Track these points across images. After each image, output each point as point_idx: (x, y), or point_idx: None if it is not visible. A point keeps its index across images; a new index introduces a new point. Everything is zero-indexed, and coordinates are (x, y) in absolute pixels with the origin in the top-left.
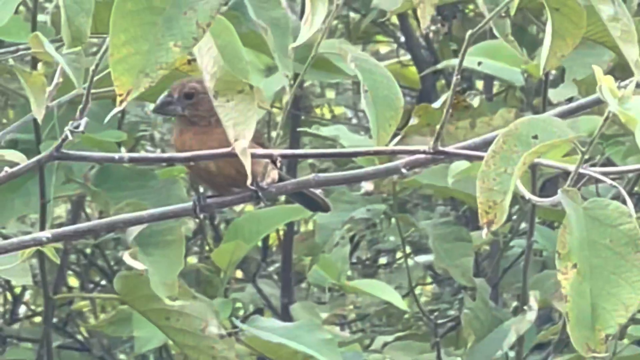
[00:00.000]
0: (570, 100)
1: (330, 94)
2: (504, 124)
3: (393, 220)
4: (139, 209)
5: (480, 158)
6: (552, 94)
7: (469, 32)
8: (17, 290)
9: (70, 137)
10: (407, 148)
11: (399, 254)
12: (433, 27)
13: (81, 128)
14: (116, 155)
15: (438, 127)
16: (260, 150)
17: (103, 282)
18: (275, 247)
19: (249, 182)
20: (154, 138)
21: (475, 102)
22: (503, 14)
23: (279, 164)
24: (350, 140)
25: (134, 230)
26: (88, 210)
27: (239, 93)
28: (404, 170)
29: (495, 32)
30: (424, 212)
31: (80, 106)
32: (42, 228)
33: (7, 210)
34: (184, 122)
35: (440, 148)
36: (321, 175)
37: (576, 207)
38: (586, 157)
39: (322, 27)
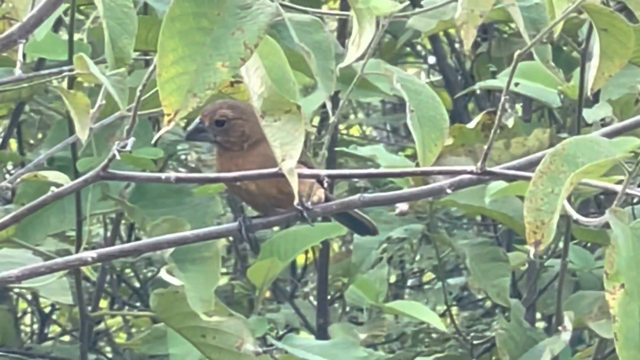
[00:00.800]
0: (603, 120)
1: (360, 114)
2: (539, 144)
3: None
4: (176, 226)
5: (527, 178)
6: (587, 114)
7: (516, 53)
8: (46, 309)
9: (117, 157)
10: (454, 169)
11: (425, 275)
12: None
13: (128, 147)
14: (163, 176)
15: (485, 147)
16: (307, 170)
17: (132, 299)
18: (306, 267)
19: (295, 201)
20: (180, 159)
21: (510, 122)
22: (544, 40)
23: (325, 184)
24: (387, 160)
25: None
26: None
27: (286, 113)
28: (449, 191)
29: (536, 57)
30: (459, 232)
31: (127, 126)
32: (79, 246)
33: (42, 227)
34: (219, 148)
35: (487, 169)
36: (367, 195)
37: (624, 227)
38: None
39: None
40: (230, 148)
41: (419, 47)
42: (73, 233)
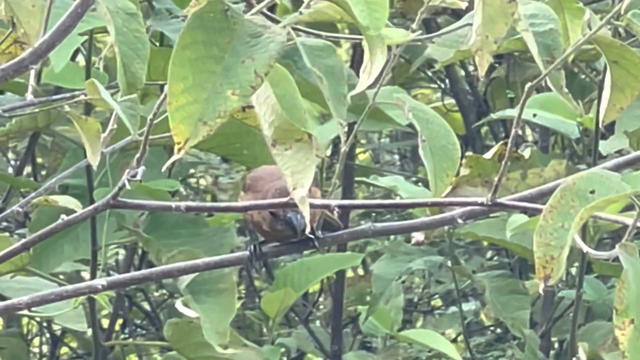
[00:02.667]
0: (619, 152)
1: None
2: (555, 175)
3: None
4: (192, 257)
5: (538, 210)
6: (603, 146)
7: (528, 85)
8: (57, 331)
9: (127, 186)
10: (464, 200)
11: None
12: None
13: (138, 177)
14: (173, 204)
15: (496, 179)
16: (318, 200)
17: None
18: (321, 292)
19: (307, 230)
20: (191, 183)
21: (527, 153)
22: (558, 66)
23: (335, 214)
24: (408, 192)
25: (187, 278)
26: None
27: (297, 141)
28: (459, 221)
29: (550, 84)
30: (475, 260)
31: (137, 155)
32: (93, 275)
33: (57, 256)
34: None
35: (497, 200)
36: (377, 225)
37: (634, 262)
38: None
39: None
40: None
41: (435, 73)
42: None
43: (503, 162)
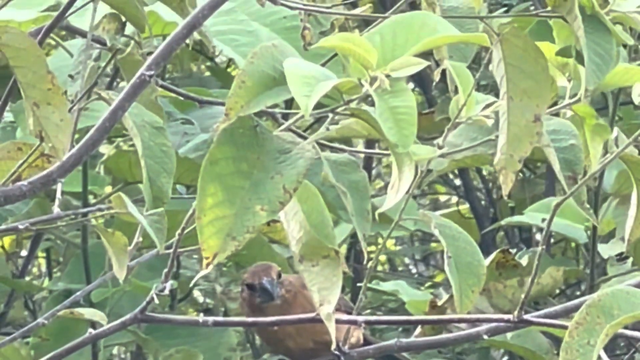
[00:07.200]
0: (620, 255)
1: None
2: (553, 282)
3: None
4: (190, 357)
5: (563, 327)
6: (602, 250)
7: (554, 202)
8: None
9: (156, 300)
10: (491, 316)
11: None
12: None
13: (166, 291)
14: (200, 319)
15: (522, 296)
16: (345, 316)
17: None
18: None
19: (333, 347)
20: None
21: (524, 260)
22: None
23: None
24: (409, 295)
25: None
26: None
27: (324, 258)
28: (485, 337)
29: (574, 201)
30: None
31: (166, 270)
32: None
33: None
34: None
35: (524, 317)
36: (403, 340)
37: None
38: None
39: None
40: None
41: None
42: None
43: (530, 278)
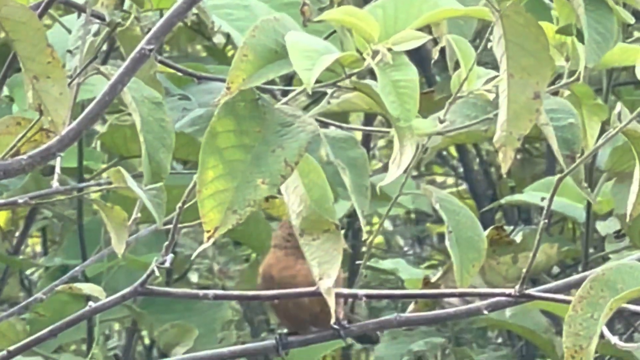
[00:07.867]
0: (618, 232)
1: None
2: (547, 259)
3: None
4: (185, 331)
5: (566, 302)
6: (601, 227)
7: (557, 177)
8: None
9: (156, 272)
10: (492, 291)
11: None
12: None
13: (167, 264)
14: (200, 293)
15: (524, 270)
16: (345, 290)
17: None
18: None
19: (332, 320)
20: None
21: (518, 237)
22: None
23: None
24: (408, 274)
25: None
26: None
27: (325, 232)
28: (485, 312)
29: (572, 180)
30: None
31: (166, 243)
32: (89, 351)
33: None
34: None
35: (525, 291)
36: (403, 315)
37: None
38: None
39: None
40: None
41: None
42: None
43: (532, 252)
